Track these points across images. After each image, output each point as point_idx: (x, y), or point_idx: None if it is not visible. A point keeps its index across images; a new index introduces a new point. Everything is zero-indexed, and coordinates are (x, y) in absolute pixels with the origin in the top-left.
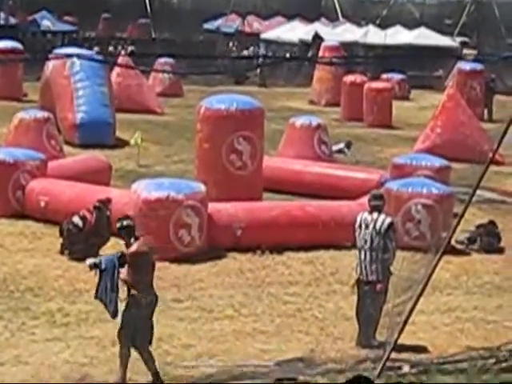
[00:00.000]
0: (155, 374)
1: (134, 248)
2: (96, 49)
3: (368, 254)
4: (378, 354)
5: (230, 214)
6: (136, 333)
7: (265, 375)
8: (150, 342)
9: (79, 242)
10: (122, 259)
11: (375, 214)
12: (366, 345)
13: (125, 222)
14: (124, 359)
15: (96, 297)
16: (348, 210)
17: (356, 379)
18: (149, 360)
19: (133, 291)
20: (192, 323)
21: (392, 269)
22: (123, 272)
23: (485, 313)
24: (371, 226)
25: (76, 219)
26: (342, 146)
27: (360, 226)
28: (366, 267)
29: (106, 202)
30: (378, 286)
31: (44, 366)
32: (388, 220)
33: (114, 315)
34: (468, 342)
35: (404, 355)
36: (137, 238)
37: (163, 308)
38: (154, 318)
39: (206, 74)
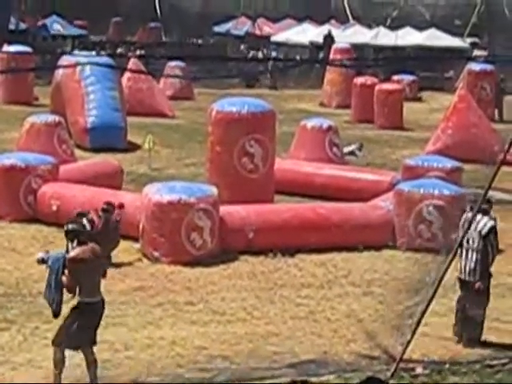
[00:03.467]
0: (94, 378)
1: (72, 254)
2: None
3: (470, 253)
4: (391, 355)
5: (241, 217)
6: (80, 335)
7: (278, 377)
8: (93, 345)
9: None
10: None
11: (479, 217)
12: (467, 344)
13: (70, 226)
14: (59, 364)
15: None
16: (360, 211)
17: (369, 380)
18: (92, 364)
19: (80, 295)
20: (205, 326)
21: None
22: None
23: (498, 313)
24: (473, 228)
25: (85, 221)
26: (353, 147)
27: (463, 225)
28: (465, 266)
29: (119, 207)
30: (477, 285)
31: (66, 371)
32: (490, 223)
33: (55, 315)
34: (481, 343)
35: (417, 356)
36: (83, 243)
37: (176, 311)
38: (167, 321)
39: (217, 78)
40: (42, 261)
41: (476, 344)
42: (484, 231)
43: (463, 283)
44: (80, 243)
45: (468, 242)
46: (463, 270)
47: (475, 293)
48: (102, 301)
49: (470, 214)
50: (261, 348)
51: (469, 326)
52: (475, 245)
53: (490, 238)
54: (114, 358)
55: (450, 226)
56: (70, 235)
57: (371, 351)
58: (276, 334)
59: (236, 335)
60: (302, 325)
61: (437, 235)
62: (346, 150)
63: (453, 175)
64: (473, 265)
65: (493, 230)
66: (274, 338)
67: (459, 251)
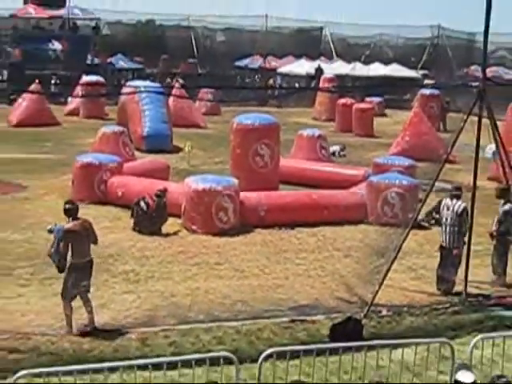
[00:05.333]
0: (91, 315)
1: (66, 226)
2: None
3: (448, 228)
4: (364, 301)
5: (255, 201)
6: (74, 288)
7: (282, 317)
8: (88, 292)
9: (145, 222)
10: None
11: (454, 201)
12: (446, 290)
13: (66, 206)
14: (69, 311)
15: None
16: (342, 196)
17: (348, 319)
18: (88, 307)
19: (72, 257)
20: (229, 280)
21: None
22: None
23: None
24: (453, 209)
25: (142, 203)
26: (338, 148)
27: (443, 208)
28: (446, 238)
29: (164, 190)
30: (455, 251)
31: (121, 311)
32: (463, 205)
33: (60, 271)
34: (430, 292)
35: (383, 302)
36: (75, 219)
37: (207, 269)
38: (202, 276)
39: (237, 100)
40: (50, 231)
41: (450, 293)
42: (459, 211)
43: (444, 249)
44: (73, 219)
45: (447, 220)
46: (445, 241)
47: (453, 257)
48: (91, 260)
49: (447, 200)
50: (269, 296)
51: (445, 278)
52: (453, 222)
53: (463, 215)
54: (163, 303)
55: (407, 207)
56: (67, 213)
57: (350, 298)
58: (281, 286)
59: (251, 286)
60: (300, 279)
61: (398, 214)
62: (332, 149)
63: (409, 170)
64: (452, 236)
65: (465, 210)
66: (279, 288)
67: (442, 227)
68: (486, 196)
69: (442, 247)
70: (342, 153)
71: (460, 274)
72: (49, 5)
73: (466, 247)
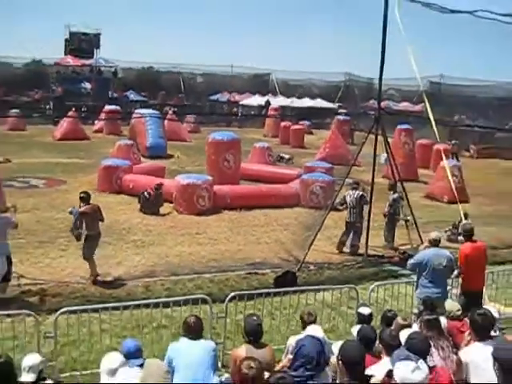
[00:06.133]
0: (95, 273)
1: (81, 209)
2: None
3: (351, 210)
4: (298, 259)
5: (224, 191)
6: (88, 252)
7: (241, 270)
8: (92, 254)
9: (148, 206)
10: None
11: (354, 191)
12: (352, 252)
13: (81, 195)
14: (93, 265)
15: (70, 230)
16: (282, 188)
17: (287, 272)
18: (92, 265)
19: (86, 231)
20: (205, 246)
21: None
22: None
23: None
24: (353, 196)
25: (146, 193)
26: (287, 156)
27: (347, 196)
28: (350, 216)
29: (160, 185)
30: (357, 225)
31: (131, 267)
32: (360, 193)
33: (77, 240)
34: (342, 254)
35: (310, 260)
36: (87, 204)
37: (190, 238)
38: (186, 243)
39: (211, 123)
40: (70, 213)
41: (355, 254)
42: (358, 197)
43: (349, 223)
44: (86, 204)
45: (351, 203)
46: (349, 218)
47: (356, 228)
48: (99, 233)
49: (350, 191)
50: (233, 256)
51: (351, 247)
52: (353, 204)
53: (361, 200)
54: (160, 261)
55: (327, 196)
56: (82, 200)
57: (288, 258)
58: (240, 250)
59: (221, 250)
60: (253, 245)
61: (320, 201)
62: (282, 155)
63: (328, 171)
64: (354, 215)
65: (362, 196)
66: (239, 251)
67: (348, 208)
68: (381, 189)
69: (347, 222)
70: (290, 161)
71: (363, 241)
72: (82, 56)
73: (366, 223)
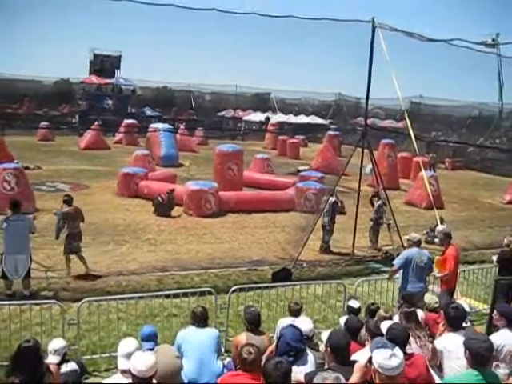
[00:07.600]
0: (86, 266)
1: (63, 210)
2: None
3: (326, 214)
4: (293, 258)
5: (228, 197)
6: (70, 248)
7: (242, 267)
8: (79, 251)
9: (161, 208)
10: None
11: (331, 197)
12: (324, 249)
13: (64, 198)
14: (67, 261)
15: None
16: (280, 195)
17: (283, 269)
18: (82, 259)
19: (68, 229)
20: (211, 244)
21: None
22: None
23: (344, 242)
24: (328, 202)
25: (159, 198)
26: (303, 167)
27: (325, 201)
28: (325, 218)
29: (172, 190)
30: (328, 227)
31: (145, 262)
32: (333, 199)
33: (56, 238)
34: (332, 253)
35: (304, 258)
36: (70, 206)
37: (199, 237)
38: (194, 242)
39: (218, 136)
40: (55, 213)
41: (329, 251)
42: (331, 202)
43: (323, 226)
44: (69, 206)
45: (324, 208)
46: (324, 221)
47: (327, 231)
48: (80, 231)
49: (329, 197)
50: (235, 254)
51: (325, 248)
52: (328, 208)
53: (334, 206)
54: (171, 257)
55: (319, 202)
56: (65, 202)
57: (284, 256)
58: (242, 248)
59: (225, 248)
60: (254, 244)
61: (313, 206)
62: (301, 168)
63: (320, 180)
64: (327, 218)
65: (335, 202)
66: (241, 250)
67: (322, 213)
68: (366, 196)
69: (323, 225)
70: (304, 170)
71: (348, 242)
72: (104, 75)
73: (353, 225)
